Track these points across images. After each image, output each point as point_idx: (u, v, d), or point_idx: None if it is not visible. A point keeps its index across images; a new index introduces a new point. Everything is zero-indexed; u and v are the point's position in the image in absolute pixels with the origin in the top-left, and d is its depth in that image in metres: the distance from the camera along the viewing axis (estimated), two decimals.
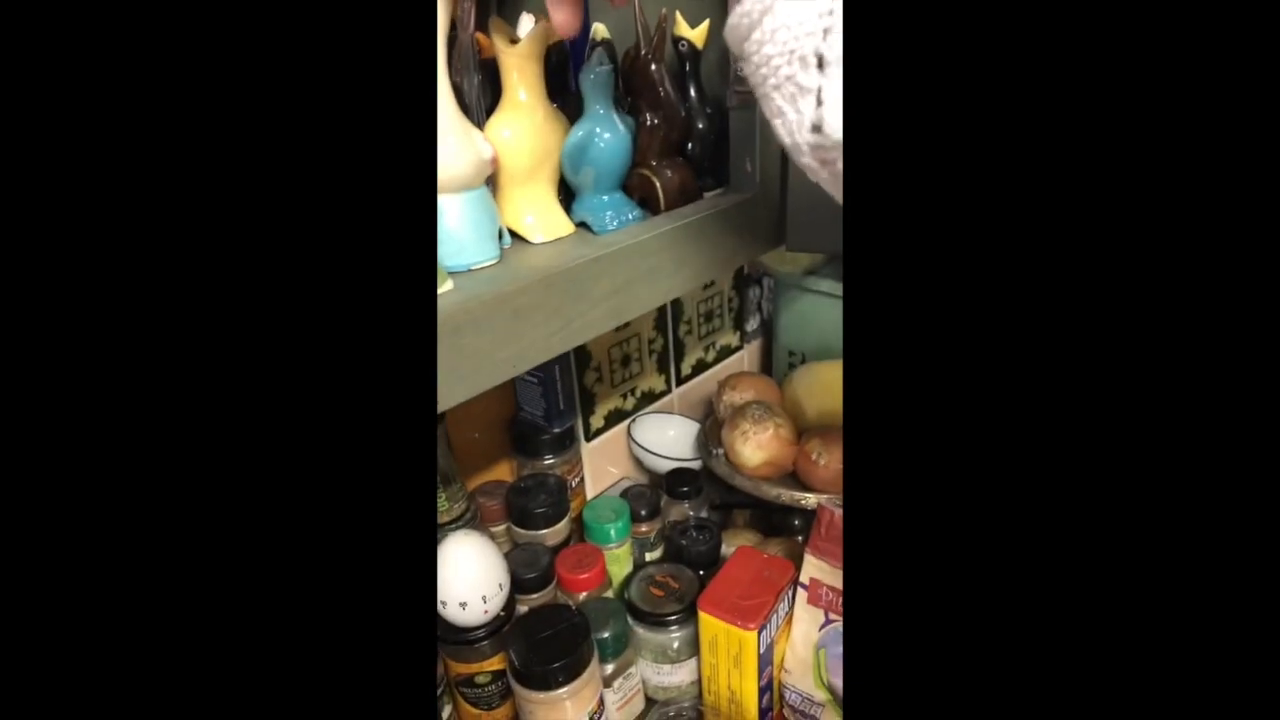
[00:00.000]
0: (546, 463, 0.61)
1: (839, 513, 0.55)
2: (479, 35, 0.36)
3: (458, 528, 0.53)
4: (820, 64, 0.19)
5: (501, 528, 0.59)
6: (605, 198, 0.33)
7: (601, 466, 0.74)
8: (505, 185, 0.31)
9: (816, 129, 0.20)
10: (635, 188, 0.35)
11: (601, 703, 0.51)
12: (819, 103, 0.19)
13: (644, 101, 0.34)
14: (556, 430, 0.61)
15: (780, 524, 0.72)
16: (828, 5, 0.19)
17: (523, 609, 0.52)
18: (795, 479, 0.68)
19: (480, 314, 0.26)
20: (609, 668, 0.53)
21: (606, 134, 0.32)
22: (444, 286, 0.27)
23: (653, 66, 0.33)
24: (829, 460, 0.64)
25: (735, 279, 0.86)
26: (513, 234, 0.32)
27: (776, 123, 0.21)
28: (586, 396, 0.69)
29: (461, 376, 0.25)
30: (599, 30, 0.36)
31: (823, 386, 0.73)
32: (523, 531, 0.57)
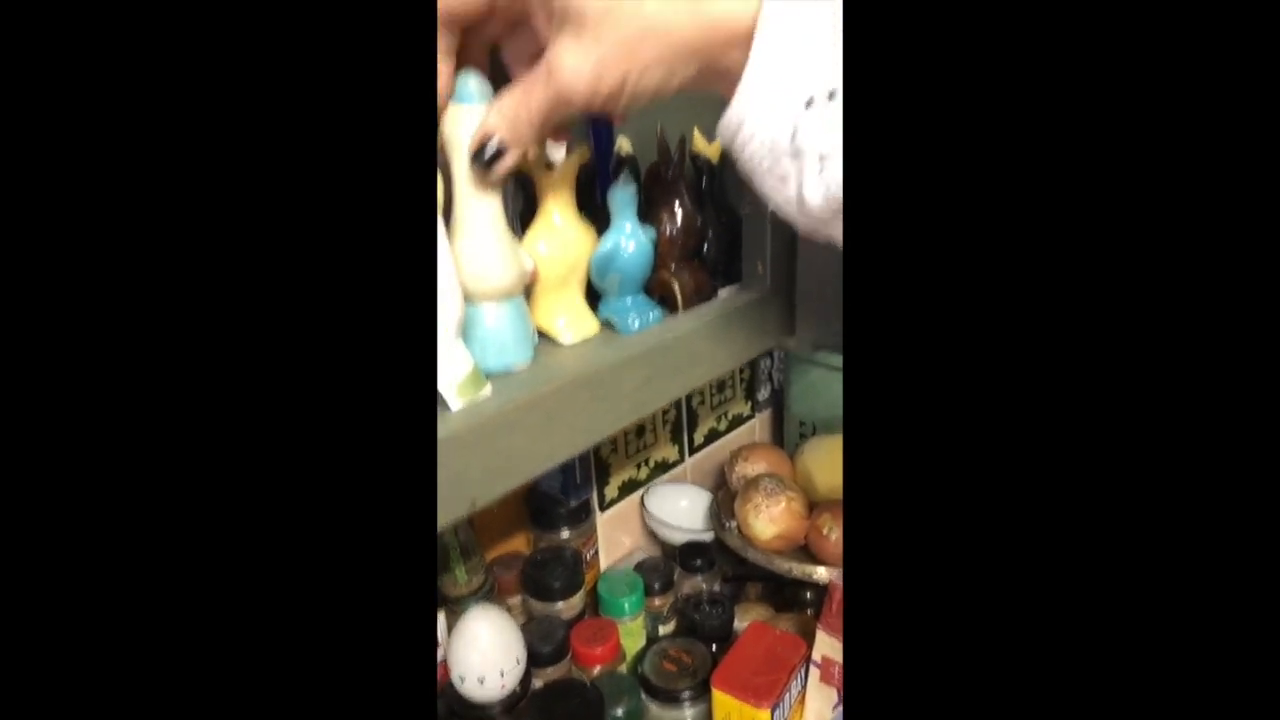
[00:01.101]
0: (563, 536, 0.63)
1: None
2: None
3: (476, 601, 0.54)
4: (795, 155, 0.23)
5: (517, 599, 0.60)
6: (629, 300, 0.36)
7: (615, 537, 0.75)
8: (539, 292, 0.34)
9: (802, 203, 0.24)
10: (655, 289, 0.38)
11: None
12: (800, 181, 0.24)
13: (664, 211, 0.38)
14: (573, 503, 0.63)
15: (793, 598, 0.72)
16: (792, 113, 0.23)
17: (538, 683, 0.53)
18: (807, 552, 0.69)
19: (516, 417, 0.28)
20: None
21: (631, 245, 0.35)
22: (483, 391, 0.29)
23: (673, 183, 0.37)
24: (839, 534, 0.65)
25: None
26: (543, 334, 0.35)
27: (771, 201, 0.26)
28: (601, 467, 0.71)
29: (499, 474, 0.28)
30: (623, 145, 0.40)
31: (833, 460, 0.75)
32: (538, 604, 0.58)
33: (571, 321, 0.35)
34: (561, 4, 0.24)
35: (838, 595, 0.56)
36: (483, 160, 0.27)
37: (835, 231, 0.25)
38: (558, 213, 0.34)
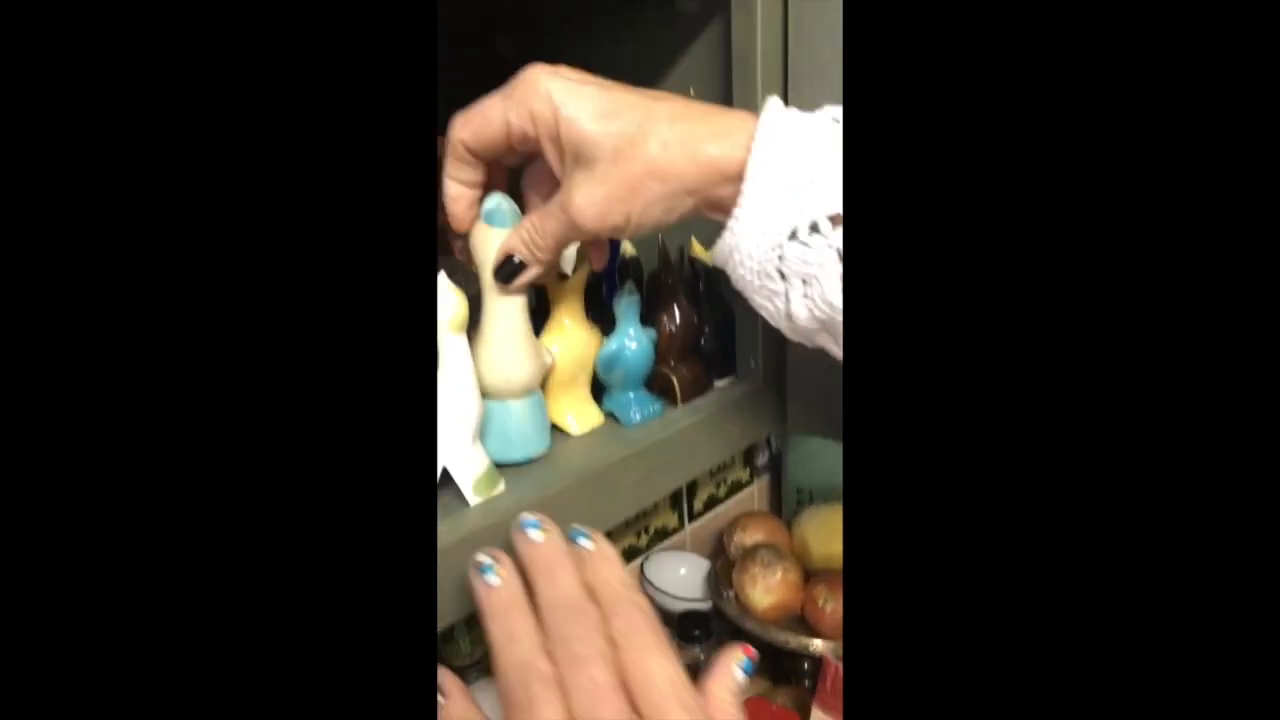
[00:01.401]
0: None
1: (841, 667, 0.57)
2: None
3: (479, 675, 0.55)
4: (782, 277, 0.27)
5: None
6: (631, 394, 0.39)
7: None
8: (551, 388, 0.37)
9: (789, 318, 0.27)
10: (656, 382, 0.41)
11: None
12: (787, 300, 0.27)
13: (664, 312, 0.41)
14: None
15: (789, 669, 0.73)
16: (778, 242, 0.26)
17: None
18: (803, 623, 0.70)
19: (530, 510, 0.31)
20: None
21: (634, 345, 0.38)
22: (498, 488, 0.32)
23: (672, 286, 0.40)
24: (834, 606, 0.67)
25: None
26: (553, 426, 0.38)
27: (763, 313, 0.29)
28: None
29: None
30: (627, 248, 0.44)
31: (829, 530, 0.76)
32: None
33: (579, 415, 0.38)
34: (574, 147, 0.27)
35: (833, 672, 0.57)
36: (505, 273, 0.31)
37: (822, 340, 0.28)
38: (568, 318, 0.37)
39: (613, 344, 0.38)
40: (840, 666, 0.57)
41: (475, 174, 0.31)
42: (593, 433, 0.38)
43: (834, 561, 0.75)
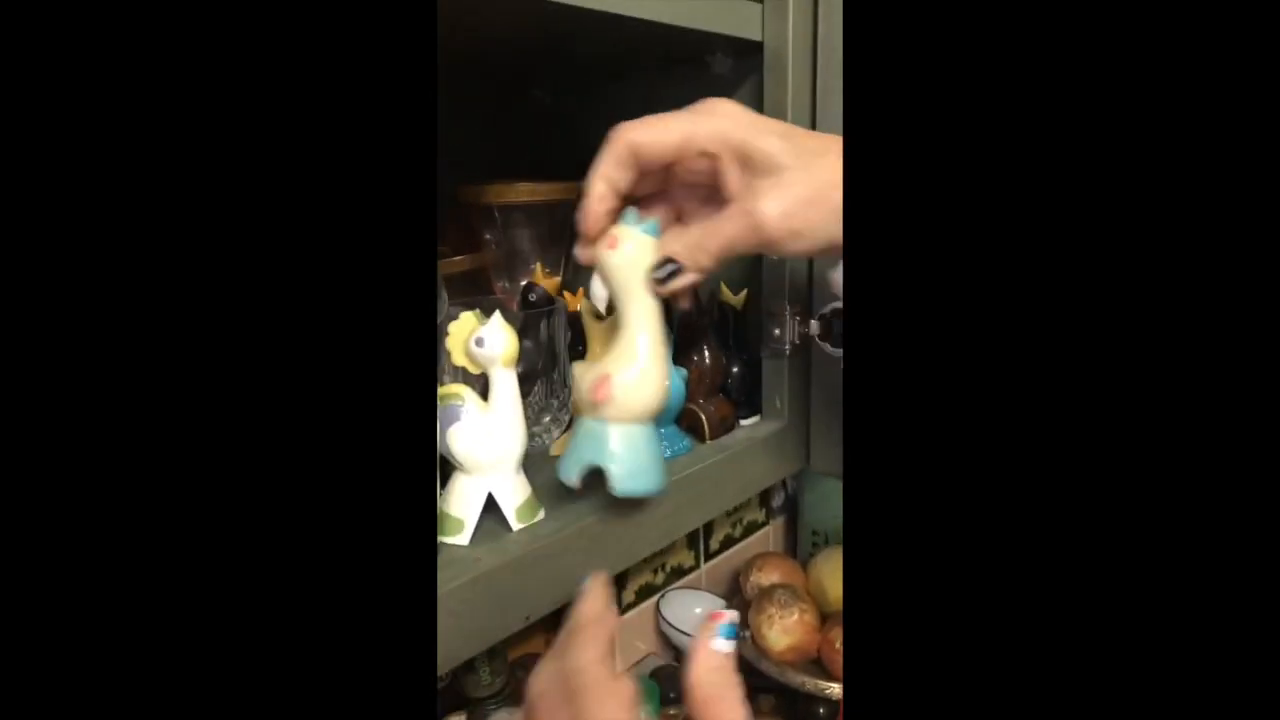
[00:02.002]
0: None
1: None
2: (567, 293, 0.46)
3: (498, 705, 0.56)
4: None
5: None
6: (662, 431, 0.41)
7: (630, 642, 0.77)
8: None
9: None
10: (685, 419, 0.43)
11: None
12: None
13: (694, 352, 0.43)
14: None
15: (805, 712, 0.73)
16: None
17: None
18: (820, 665, 0.70)
19: (566, 543, 0.32)
20: None
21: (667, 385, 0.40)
22: (538, 516, 0.34)
23: (703, 327, 0.43)
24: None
25: None
26: None
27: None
28: (619, 572, 0.74)
29: (550, 592, 0.32)
30: None
31: (840, 572, 0.77)
32: None
33: None
34: (763, 159, 0.28)
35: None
36: (663, 275, 0.30)
37: None
38: (603, 351, 0.39)
39: None
40: None
41: (628, 178, 0.30)
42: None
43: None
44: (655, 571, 0.80)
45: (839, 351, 0.44)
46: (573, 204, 0.51)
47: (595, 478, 0.38)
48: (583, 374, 0.33)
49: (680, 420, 0.43)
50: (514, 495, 0.33)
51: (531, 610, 0.31)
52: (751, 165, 0.28)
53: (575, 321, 0.42)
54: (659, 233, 0.31)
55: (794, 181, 0.28)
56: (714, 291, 0.44)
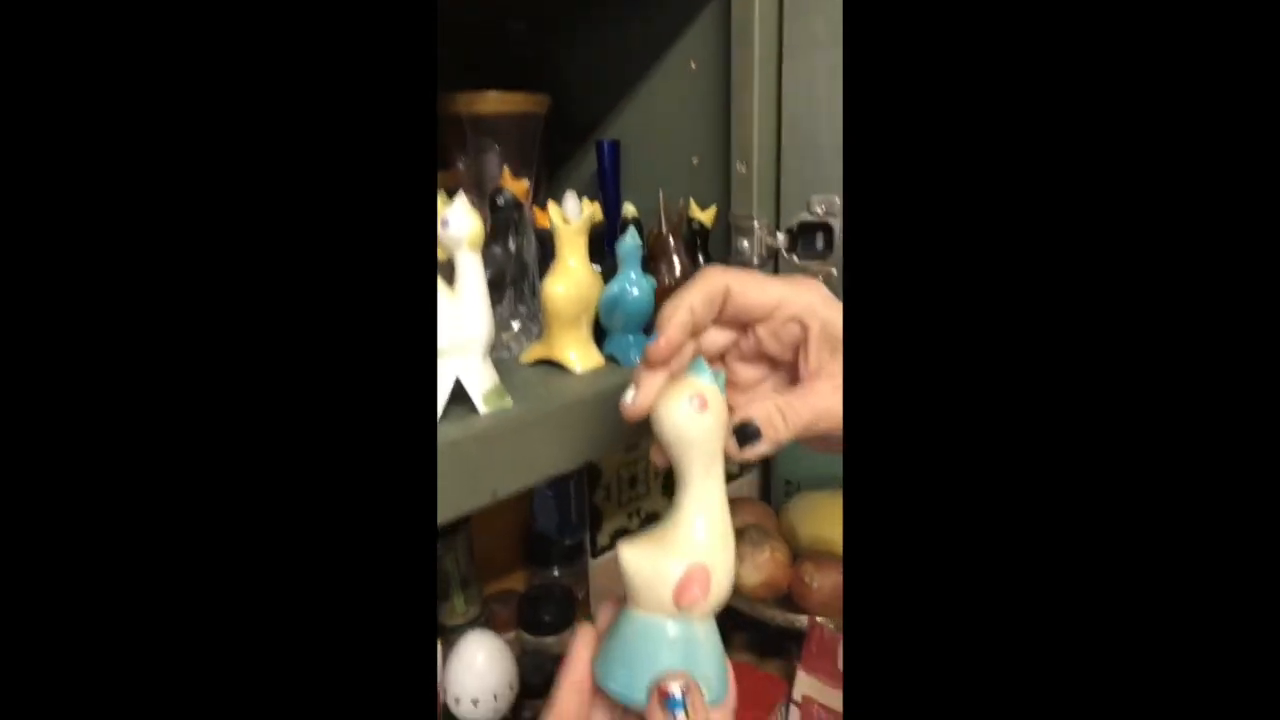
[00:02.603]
0: (555, 574, 0.66)
1: (829, 629, 0.59)
2: (537, 209, 0.46)
3: (472, 629, 0.56)
4: None
5: (511, 635, 0.62)
6: (630, 338, 0.42)
7: (606, 584, 0.78)
8: (556, 328, 0.40)
9: None
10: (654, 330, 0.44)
11: None
12: None
13: (664, 264, 0.44)
14: (568, 542, 0.66)
15: (776, 647, 0.74)
16: None
17: (528, 715, 0.55)
18: (791, 601, 0.71)
19: (532, 425, 0.33)
20: None
21: (634, 290, 0.41)
22: (505, 402, 0.34)
23: (671, 242, 0.43)
24: (821, 583, 0.68)
25: None
26: (555, 364, 0.40)
27: None
28: (595, 513, 0.74)
29: (516, 471, 0.32)
30: (629, 210, 0.46)
31: (816, 514, 0.78)
32: (531, 638, 0.60)
33: (581, 354, 0.40)
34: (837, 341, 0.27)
35: (817, 635, 0.58)
36: (742, 436, 0.27)
37: None
38: (573, 259, 0.39)
39: (614, 287, 0.41)
40: (825, 629, 0.59)
41: (710, 318, 0.29)
42: (593, 371, 0.40)
43: (820, 544, 0.76)
44: (630, 516, 0.80)
45: (806, 263, 0.45)
46: (542, 117, 0.51)
47: (555, 374, 0.37)
48: (643, 561, 0.26)
49: (649, 331, 0.43)
50: (481, 381, 0.33)
51: (498, 486, 0.31)
52: (838, 346, 0.28)
53: (545, 240, 0.43)
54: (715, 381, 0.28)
55: None
56: (683, 208, 0.45)
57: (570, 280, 0.39)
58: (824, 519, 0.79)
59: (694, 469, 0.26)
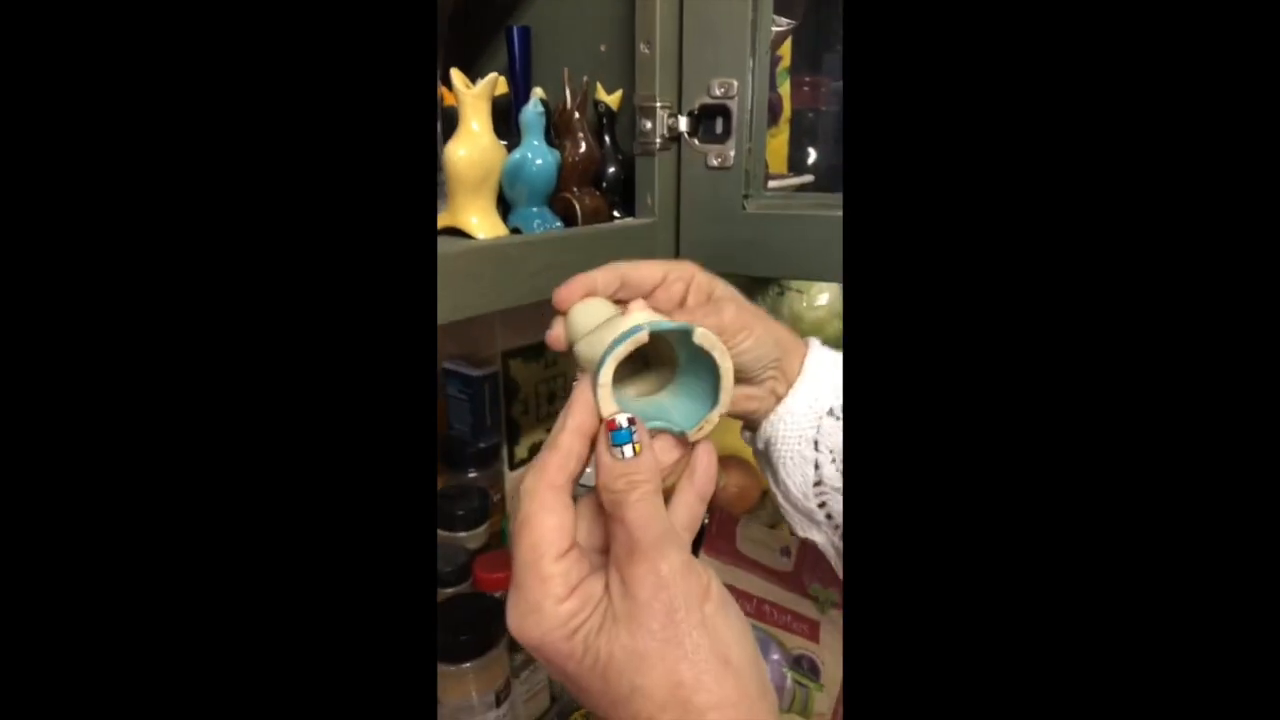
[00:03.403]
0: (470, 476, 0.67)
1: (728, 514, 0.62)
2: (442, 88, 0.46)
3: None
4: (815, 446, 0.34)
5: None
6: (534, 209, 0.43)
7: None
8: (457, 193, 0.40)
9: (818, 484, 0.35)
10: (559, 207, 0.45)
11: (508, 687, 0.54)
12: (817, 466, 0.34)
13: (568, 142, 0.45)
14: (482, 445, 0.67)
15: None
16: (818, 411, 0.34)
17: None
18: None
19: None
20: (518, 657, 0.57)
21: (538, 160, 0.41)
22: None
23: (576, 116, 0.44)
24: (726, 482, 0.72)
25: None
26: (457, 231, 0.41)
27: (788, 482, 0.36)
28: (513, 427, 0.75)
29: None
30: (538, 92, 0.47)
31: (726, 424, 0.82)
32: (445, 533, 0.61)
33: (483, 221, 0.41)
34: (722, 292, 0.34)
35: (717, 518, 0.62)
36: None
37: (816, 533, 0.36)
38: (476, 122, 0.40)
39: (517, 154, 0.41)
40: (724, 512, 0.63)
41: (613, 289, 0.33)
42: (497, 239, 0.41)
43: (728, 451, 0.80)
44: (548, 431, 0.82)
45: (707, 147, 0.47)
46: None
47: (456, 241, 0.37)
48: None
49: (554, 206, 0.44)
50: None
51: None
52: (711, 295, 0.34)
53: (452, 119, 0.43)
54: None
55: (743, 303, 0.34)
56: (586, 85, 0.46)
57: (472, 145, 0.40)
58: (731, 428, 0.82)
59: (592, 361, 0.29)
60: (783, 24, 0.75)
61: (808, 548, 0.60)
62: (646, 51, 0.45)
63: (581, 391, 0.27)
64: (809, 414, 0.34)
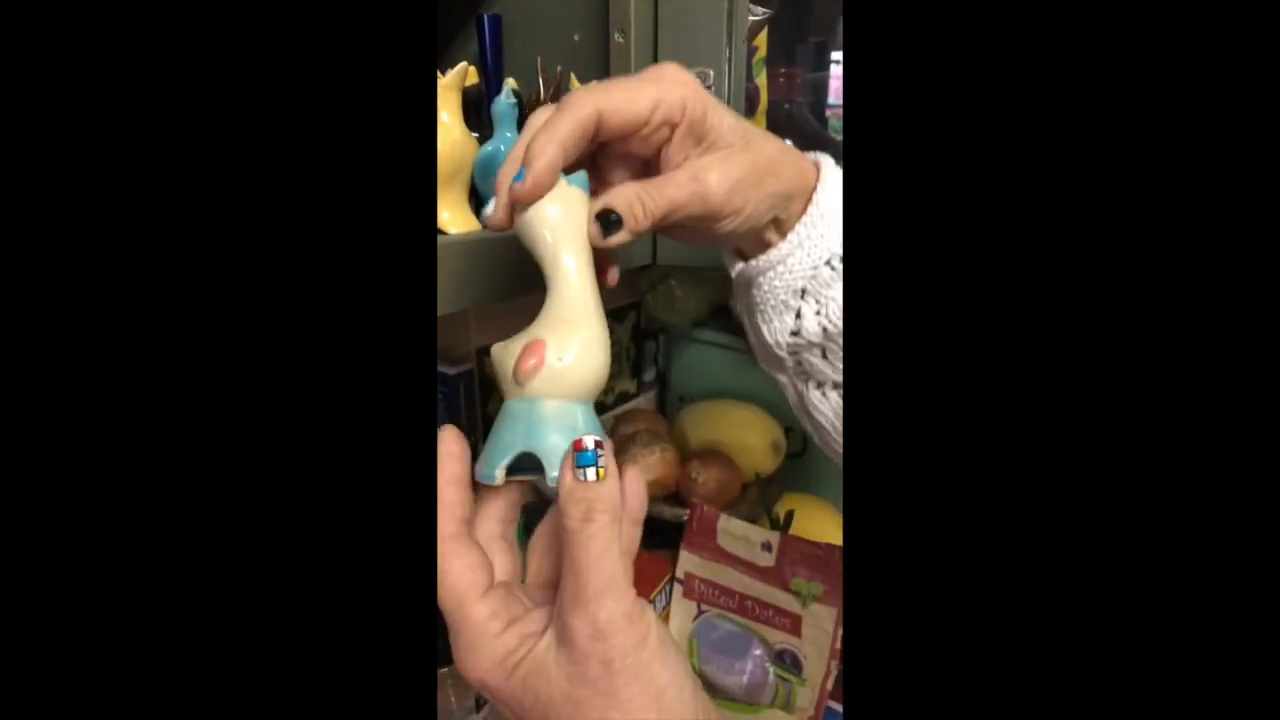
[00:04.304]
0: None
1: (708, 509, 0.62)
2: None
3: None
4: (803, 294, 0.32)
5: None
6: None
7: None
8: None
9: (795, 333, 0.33)
10: None
11: None
12: (798, 315, 0.32)
13: None
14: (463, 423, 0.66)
15: (665, 539, 0.78)
16: (816, 260, 0.31)
17: None
18: (679, 499, 0.75)
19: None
20: None
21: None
22: None
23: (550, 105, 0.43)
24: (705, 478, 0.72)
25: (633, 332, 0.95)
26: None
27: (764, 327, 0.34)
28: (489, 424, 0.74)
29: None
30: (510, 82, 0.46)
31: (706, 419, 0.82)
32: None
33: (455, 216, 0.40)
34: (715, 134, 0.28)
35: (698, 514, 0.61)
36: (604, 223, 0.27)
37: (779, 371, 0.35)
38: (446, 113, 0.39)
39: (489, 146, 0.40)
40: (704, 508, 0.62)
41: (585, 149, 0.28)
42: (468, 233, 0.40)
43: (707, 445, 0.80)
44: None
45: None
46: None
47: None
48: (503, 351, 0.27)
49: None
50: None
51: None
52: (702, 138, 0.28)
53: None
54: (588, 187, 0.28)
55: (740, 161, 0.28)
56: (560, 74, 0.45)
57: (443, 137, 0.39)
58: (711, 423, 0.82)
59: (547, 264, 0.27)
60: (759, 14, 0.74)
61: (788, 542, 0.60)
62: (621, 41, 0.44)
63: (446, 442, 0.26)
64: (802, 267, 0.31)
